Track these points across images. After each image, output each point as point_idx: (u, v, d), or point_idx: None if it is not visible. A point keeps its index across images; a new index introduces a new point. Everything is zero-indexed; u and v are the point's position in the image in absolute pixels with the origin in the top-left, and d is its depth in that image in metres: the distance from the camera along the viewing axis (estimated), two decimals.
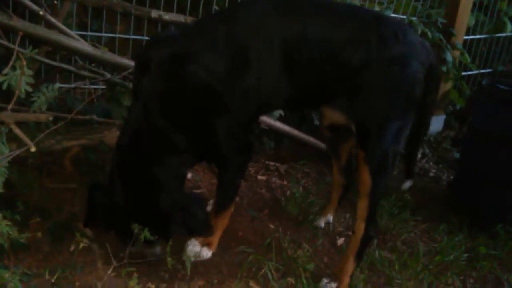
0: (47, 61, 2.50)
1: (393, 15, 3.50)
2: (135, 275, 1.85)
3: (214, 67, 1.87)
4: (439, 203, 2.94)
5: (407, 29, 2.06)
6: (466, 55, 3.83)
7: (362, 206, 2.01)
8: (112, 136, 2.38)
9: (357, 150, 2.03)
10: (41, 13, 2.32)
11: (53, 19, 2.39)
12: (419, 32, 3.44)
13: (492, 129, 2.72)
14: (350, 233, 2.42)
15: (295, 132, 3.07)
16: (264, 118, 2.88)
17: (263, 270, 2.07)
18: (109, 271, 1.87)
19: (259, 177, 2.96)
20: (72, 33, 2.46)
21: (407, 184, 2.37)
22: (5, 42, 2.28)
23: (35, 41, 2.37)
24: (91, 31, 2.92)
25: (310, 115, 3.22)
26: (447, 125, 4.01)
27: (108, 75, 2.59)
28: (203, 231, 2.02)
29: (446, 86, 3.78)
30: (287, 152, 3.24)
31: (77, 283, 1.85)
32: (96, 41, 2.78)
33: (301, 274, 2.08)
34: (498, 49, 4.37)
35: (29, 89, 1.87)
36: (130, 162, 1.92)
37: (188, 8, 3.01)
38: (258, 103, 1.98)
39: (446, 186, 3.20)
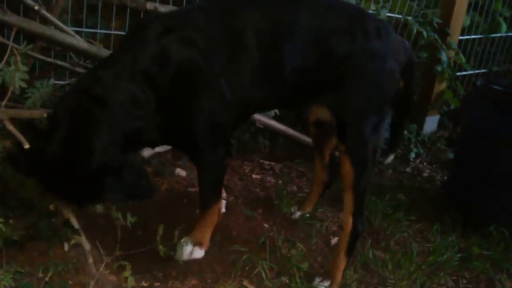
0: (41, 57, 2.49)
1: (388, 14, 3.50)
2: (128, 270, 1.84)
3: (201, 44, 1.85)
4: (432, 203, 2.95)
5: (388, 27, 2.10)
6: (461, 55, 3.84)
7: (348, 200, 2.02)
8: None
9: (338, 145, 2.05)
10: (36, 8, 2.30)
11: (48, 15, 2.37)
12: (414, 31, 3.44)
13: (486, 129, 2.72)
14: None
15: (290, 131, 3.07)
16: (259, 117, 2.88)
17: (257, 269, 2.07)
18: (101, 268, 1.86)
19: (254, 176, 2.95)
20: (67, 29, 2.45)
21: (390, 158, 2.42)
22: None
23: (30, 37, 2.36)
24: (86, 27, 2.90)
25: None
26: (441, 125, 4.02)
27: None
28: (140, 195, 1.89)
29: (440, 86, 3.79)
30: (282, 151, 3.24)
31: (70, 282, 1.84)
32: (91, 38, 2.77)
33: (295, 273, 2.08)
34: (493, 49, 4.39)
35: (24, 85, 1.86)
36: (79, 102, 1.76)
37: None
38: (244, 95, 1.95)
39: (440, 186, 3.20)
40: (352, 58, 1.93)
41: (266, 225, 2.45)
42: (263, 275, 2.05)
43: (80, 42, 2.40)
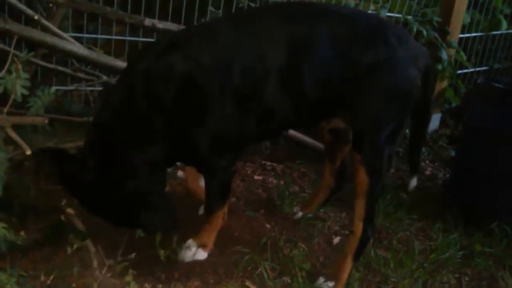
0: (43, 63, 2.52)
1: (388, 14, 3.51)
2: (131, 274, 1.86)
3: (207, 62, 1.86)
4: (434, 201, 2.95)
5: (407, 34, 2.11)
6: (462, 53, 3.83)
7: (360, 206, 2.02)
8: None
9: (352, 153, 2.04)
10: (36, 17, 2.34)
11: (47, 23, 2.41)
12: (414, 30, 3.45)
13: (487, 127, 2.73)
14: (346, 232, 2.45)
15: (292, 132, 3.08)
16: None
17: (259, 270, 2.08)
18: (104, 271, 1.88)
19: (256, 177, 2.97)
20: (67, 36, 2.47)
21: (413, 182, 2.32)
22: (0, 45, 2.29)
23: (31, 44, 2.39)
24: (87, 33, 2.94)
25: None
26: (443, 123, 4.02)
27: (105, 77, 2.61)
28: (164, 227, 1.99)
29: (441, 85, 3.79)
30: (283, 152, 3.25)
31: (73, 285, 1.86)
32: (92, 43, 2.80)
33: (297, 273, 2.09)
34: (493, 46, 4.38)
35: (26, 92, 1.89)
36: (105, 140, 1.90)
37: (183, 15, 3.02)
38: (258, 113, 1.94)
39: (441, 184, 3.20)
40: (375, 69, 1.92)
41: (268, 226, 2.46)
42: (265, 275, 2.06)
43: (80, 49, 2.43)
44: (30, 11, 2.39)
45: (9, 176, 1.98)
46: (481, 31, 4.21)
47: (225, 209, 2.18)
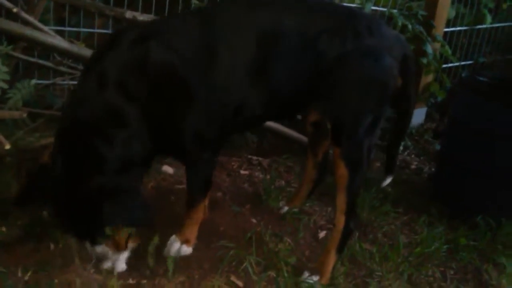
0: (24, 57, 2.48)
1: (373, 8, 3.50)
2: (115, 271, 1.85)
3: (181, 49, 1.83)
4: (420, 195, 2.96)
5: (380, 23, 2.07)
6: (447, 47, 3.84)
7: (341, 200, 2.02)
8: None
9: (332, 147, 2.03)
10: (14, 10, 2.29)
11: (27, 16, 2.36)
12: (400, 24, 3.45)
13: (472, 120, 2.74)
14: (331, 226, 2.44)
15: (278, 126, 3.07)
16: None
17: (244, 265, 2.08)
18: (88, 267, 1.86)
19: (242, 171, 2.95)
20: (48, 29, 2.43)
21: (388, 180, 2.34)
22: None
23: (12, 38, 2.35)
24: (69, 26, 2.89)
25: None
26: (428, 117, 4.03)
27: None
28: (138, 223, 1.89)
29: (427, 79, 3.80)
30: (270, 146, 3.24)
31: (56, 281, 1.84)
32: (74, 36, 2.76)
33: (283, 268, 2.09)
34: (478, 40, 4.40)
35: (5, 86, 1.85)
36: (72, 133, 1.83)
37: (167, 7, 3.00)
38: (231, 102, 1.92)
39: (427, 178, 3.22)
40: (344, 59, 1.90)
41: (254, 220, 2.45)
42: (250, 270, 2.06)
43: (61, 42, 2.39)
44: (9, 4, 2.34)
45: None
46: (466, 25, 4.23)
47: (206, 202, 2.17)
